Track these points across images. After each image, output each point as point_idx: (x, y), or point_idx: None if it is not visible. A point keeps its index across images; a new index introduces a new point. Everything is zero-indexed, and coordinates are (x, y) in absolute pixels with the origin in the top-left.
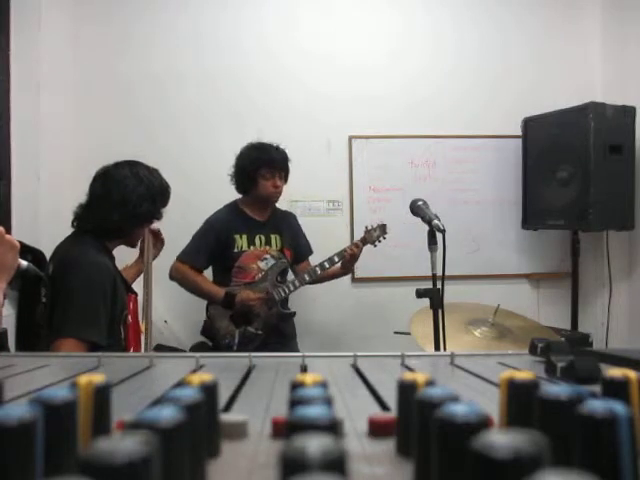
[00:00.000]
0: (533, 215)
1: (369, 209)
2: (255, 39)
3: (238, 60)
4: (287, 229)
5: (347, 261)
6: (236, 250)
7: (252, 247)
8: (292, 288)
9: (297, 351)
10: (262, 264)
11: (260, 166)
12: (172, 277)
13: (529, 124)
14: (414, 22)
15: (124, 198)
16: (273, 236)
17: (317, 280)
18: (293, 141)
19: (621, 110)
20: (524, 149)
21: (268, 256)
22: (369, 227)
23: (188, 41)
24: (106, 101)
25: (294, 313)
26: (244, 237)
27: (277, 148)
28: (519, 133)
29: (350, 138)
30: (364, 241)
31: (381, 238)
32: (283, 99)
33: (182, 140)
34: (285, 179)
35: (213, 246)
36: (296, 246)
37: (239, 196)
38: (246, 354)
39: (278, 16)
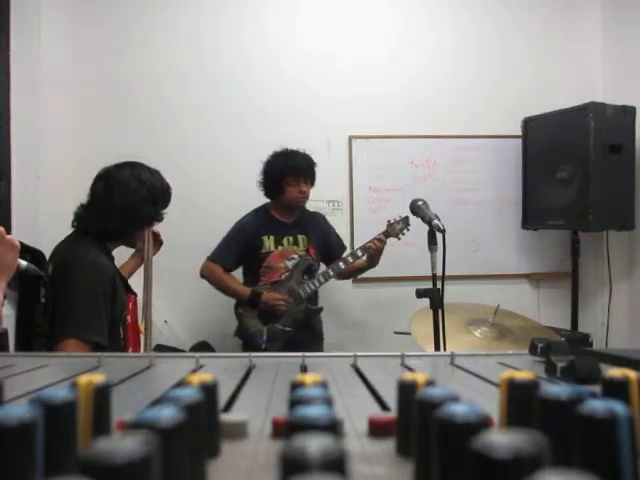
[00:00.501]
0: (533, 215)
1: (369, 209)
2: (255, 39)
3: (238, 60)
4: (314, 229)
5: (371, 255)
6: (264, 251)
7: (280, 247)
8: (317, 284)
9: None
10: (289, 263)
11: (286, 174)
12: (202, 275)
13: (529, 124)
14: (414, 22)
15: (126, 202)
16: (300, 237)
17: (344, 275)
18: (293, 141)
19: (621, 110)
20: (524, 149)
21: (295, 255)
22: (391, 220)
23: (188, 41)
24: (106, 101)
25: (321, 309)
26: (271, 238)
27: (304, 155)
28: (519, 133)
29: (350, 138)
30: (387, 234)
31: (405, 230)
32: (283, 99)
33: (182, 140)
34: (312, 183)
35: (242, 247)
36: (326, 246)
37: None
38: (246, 354)
39: (278, 16)
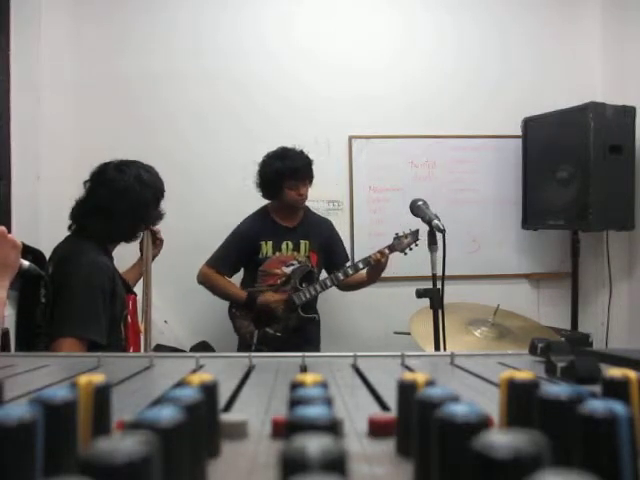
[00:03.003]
0: (533, 215)
1: (369, 209)
2: (255, 39)
3: (238, 60)
4: (317, 235)
5: (372, 269)
6: (261, 256)
7: (277, 253)
8: (314, 292)
9: None
10: (288, 270)
11: (285, 177)
12: (199, 281)
13: (529, 124)
14: (414, 22)
15: (133, 207)
16: (303, 242)
17: (345, 286)
18: (293, 141)
19: (621, 110)
20: (524, 149)
21: (295, 262)
22: (400, 233)
23: (188, 41)
24: (106, 101)
25: (314, 318)
26: (269, 244)
27: (300, 154)
28: (519, 133)
29: (350, 138)
30: (392, 249)
31: (413, 245)
32: (283, 99)
33: (182, 140)
34: (310, 182)
35: (240, 253)
36: (329, 253)
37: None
38: (246, 354)
39: (278, 16)
